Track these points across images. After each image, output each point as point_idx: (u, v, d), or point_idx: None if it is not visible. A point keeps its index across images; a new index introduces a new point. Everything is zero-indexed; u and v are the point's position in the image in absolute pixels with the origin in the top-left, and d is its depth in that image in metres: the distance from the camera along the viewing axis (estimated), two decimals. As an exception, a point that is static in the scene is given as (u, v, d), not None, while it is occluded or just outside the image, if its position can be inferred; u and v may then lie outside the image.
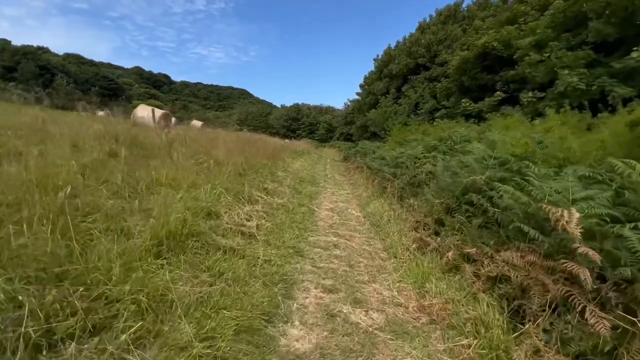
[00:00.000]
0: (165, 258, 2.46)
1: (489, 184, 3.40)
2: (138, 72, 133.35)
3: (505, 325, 2.17)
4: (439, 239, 3.51)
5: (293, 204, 5.80)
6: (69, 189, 2.34)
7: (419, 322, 2.52)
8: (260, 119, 61.74)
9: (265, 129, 48.76)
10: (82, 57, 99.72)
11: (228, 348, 1.81)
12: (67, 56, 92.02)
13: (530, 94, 8.84)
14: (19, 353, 1.35)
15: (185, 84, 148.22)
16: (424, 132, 9.58)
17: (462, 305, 2.53)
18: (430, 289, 2.90)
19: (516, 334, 2.07)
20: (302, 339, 2.14)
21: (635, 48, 6.98)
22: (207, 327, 1.90)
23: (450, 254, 3.06)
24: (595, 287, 1.81)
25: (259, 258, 3.10)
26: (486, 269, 2.63)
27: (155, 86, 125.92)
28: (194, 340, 1.76)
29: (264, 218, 4.34)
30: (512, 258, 2.44)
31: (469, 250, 2.98)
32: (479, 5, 22.05)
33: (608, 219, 2.05)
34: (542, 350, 1.89)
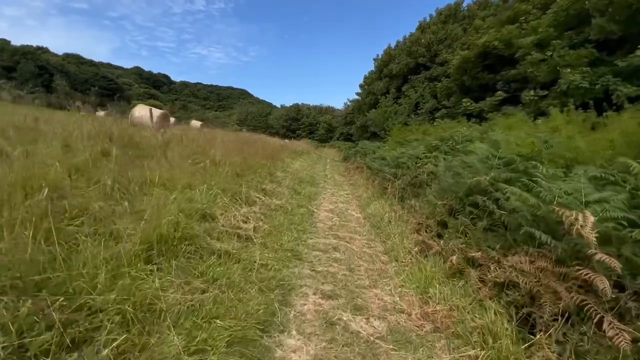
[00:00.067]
0: (155, 263, 2.33)
1: (494, 185, 3.28)
2: (138, 72, 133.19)
3: (514, 335, 2.05)
4: (442, 242, 3.39)
5: (292, 205, 5.68)
6: (46, 191, 2.21)
7: (422, 330, 2.40)
8: (260, 119, 61.61)
9: (265, 129, 48.66)
10: (82, 57, 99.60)
11: (220, 361, 1.69)
12: (67, 56, 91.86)
13: (532, 92, 8.72)
14: (-13, 372, 1.23)
15: (185, 84, 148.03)
16: (425, 132, 9.46)
17: (468, 312, 2.41)
18: (433, 294, 2.78)
19: (526, 344, 1.95)
20: (300, 350, 2.02)
21: None
22: (198, 339, 1.78)
23: (454, 258, 2.94)
24: (613, 296, 1.69)
25: (255, 262, 2.98)
26: (493, 274, 2.51)
27: (155, 86, 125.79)
28: (182, 354, 1.64)
29: (262, 220, 4.21)
30: (521, 263, 2.32)
31: (473, 254, 2.85)
32: (479, 4, 21.94)
33: (625, 223, 1.93)
34: (555, 363, 1.77)
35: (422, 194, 5.23)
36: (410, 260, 3.59)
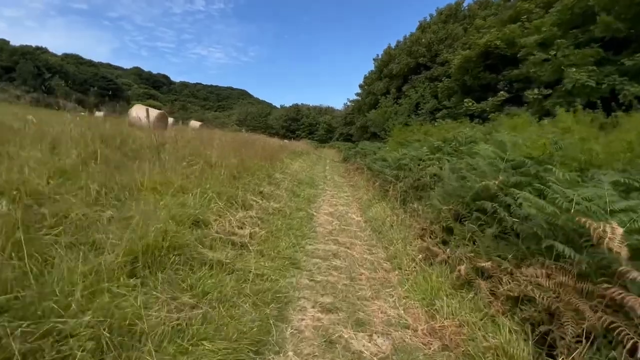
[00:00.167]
0: (140, 277, 2.15)
1: (504, 190, 3.09)
2: (137, 72, 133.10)
3: (532, 357, 1.87)
4: (448, 249, 3.21)
5: (290, 208, 5.49)
6: (21, 198, 2.02)
7: (429, 348, 2.21)
8: (260, 120, 61.42)
9: (264, 129, 48.42)
10: (81, 58, 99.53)
11: (206, 392, 1.51)
12: (66, 56, 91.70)
13: (536, 90, 8.53)
14: None
15: (184, 85, 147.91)
16: (426, 133, 9.28)
17: (479, 329, 2.23)
18: (440, 307, 2.59)
19: (547, 369, 1.77)
20: (296, 374, 1.84)
21: (647, 45, 6.71)
22: (182, 366, 1.59)
23: (462, 268, 2.75)
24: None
25: (250, 272, 2.79)
26: (505, 287, 2.33)
27: (155, 86, 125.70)
28: (164, 385, 1.46)
29: (258, 225, 4.03)
30: (537, 276, 2.13)
31: (483, 264, 2.67)
32: (480, 4, 21.80)
33: (657, 236, 1.76)
34: (581, 392, 1.59)
35: (425, 197, 5.04)
36: (414, 269, 3.41)
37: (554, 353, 1.86)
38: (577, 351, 1.71)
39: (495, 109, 11.98)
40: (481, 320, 2.30)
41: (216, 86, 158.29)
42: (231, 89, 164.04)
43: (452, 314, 2.46)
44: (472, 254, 2.84)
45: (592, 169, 2.99)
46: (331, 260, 3.69)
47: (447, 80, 17.18)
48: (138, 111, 14.08)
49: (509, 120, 6.34)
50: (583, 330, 1.75)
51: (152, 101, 72.70)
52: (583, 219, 1.74)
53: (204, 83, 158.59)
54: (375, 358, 2.06)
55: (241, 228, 3.65)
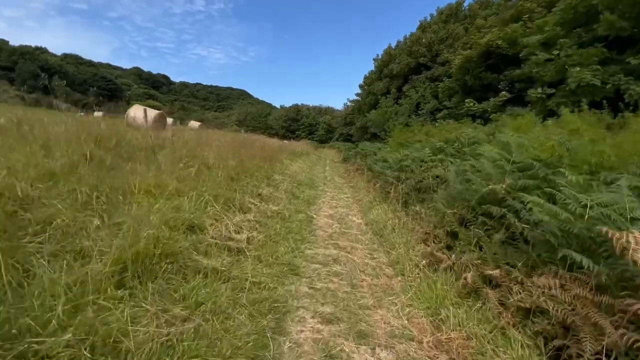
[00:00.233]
0: (128, 287, 2.02)
1: (511, 194, 2.97)
2: (137, 72, 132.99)
3: (547, 375, 1.75)
4: (453, 255, 3.08)
5: (289, 211, 5.37)
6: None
7: (436, 363, 2.09)
8: (260, 120, 61.29)
9: (264, 129, 48.33)
10: (81, 58, 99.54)
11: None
12: (65, 56, 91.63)
13: (539, 89, 8.40)
14: None
15: (184, 85, 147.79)
16: (427, 133, 9.16)
17: (489, 342, 2.11)
18: (446, 317, 2.47)
19: (564, 389, 1.65)
20: (295, 394, 1.71)
21: (652, 44, 6.59)
22: (171, 388, 1.47)
23: (469, 276, 2.63)
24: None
25: (247, 280, 2.67)
26: (515, 298, 2.21)
27: (154, 87, 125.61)
28: (149, 411, 1.33)
29: (256, 229, 3.90)
30: (550, 287, 2.01)
31: (491, 272, 2.54)
32: (481, 4, 21.69)
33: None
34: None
35: (428, 200, 4.92)
36: (417, 275, 3.28)
37: (571, 370, 1.74)
38: (597, 370, 1.59)
39: (497, 109, 11.87)
40: (490, 332, 2.17)
41: (216, 86, 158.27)
42: (231, 89, 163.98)
43: (459, 325, 2.34)
44: (479, 261, 2.72)
45: (603, 172, 2.87)
46: (331, 266, 3.57)
47: (447, 80, 17.06)
48: (136, 111, 13.96)
49: (512, 121, 6.21)
50: (603, 347, 1.63)
51: (151, 101, 72.60)
52: (604, 229, 1.61)
53: (204, 83, 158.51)
54: (378, 374, 1.93)
55: (238, 232, 3.53)
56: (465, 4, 22.81)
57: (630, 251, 1.47)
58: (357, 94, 35.10)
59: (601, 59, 7.69)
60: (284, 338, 2.14)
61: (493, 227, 3.02)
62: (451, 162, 5.03)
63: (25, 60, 65.95)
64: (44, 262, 1.84)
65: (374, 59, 30.48)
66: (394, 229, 4.79)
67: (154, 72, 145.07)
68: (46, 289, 1.71)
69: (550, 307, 1.94)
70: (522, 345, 1.93)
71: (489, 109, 12.16)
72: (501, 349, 1.98)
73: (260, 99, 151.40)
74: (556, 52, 8.55)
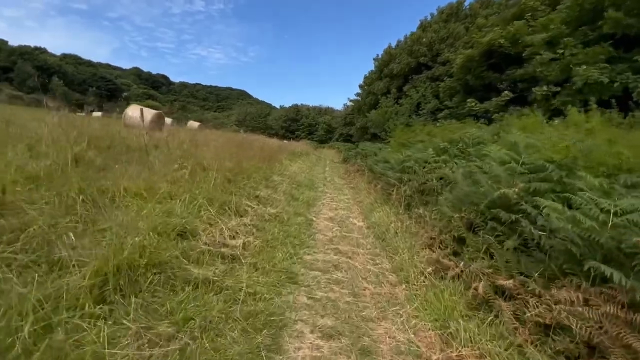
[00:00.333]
0: (109, 302, 1.84)
1: (524, 198, 2.79)
2: (136, 72, 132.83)
3: (573, 402, 1.56)
4: (462, 263, 2.90)
5: (288, 214, 5.18)
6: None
7: (447, 384, 1.91)
8: (259, 120, 61.10)
9: (264, 129, 48.12)
10: (80, 58, 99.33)
11: None
12: (64, 57, 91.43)
13: (545, 87, 8.20)
14: None
15: (184, 85, 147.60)
16: (429, 133, 8.97)
17: (505, 362, 1.92)
18: (456, 331, 2.29)
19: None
20: None
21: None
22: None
23: (480, 286, 2.45)
24: None
25: (241, 290, 2.49)
26: (533, 312, 2.02)
27: (154, 87, 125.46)
28: None
29: (253, 234, 3.72)
30: (572, 301, 1.83)
31: (503, 282, 2.36)
32: (482, 3, 21.51)
33: None
34: None
35: (432, 203, 4.74)
36: (423, 283, 3.10)
37: (599, 397, 1.56)
38: (632, 400, 1.41)
39: (499, 109, 11.67)
40: (506, 350, 1.99)
41: (215, 86, 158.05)
42: (230, 89, 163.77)
43: (471, 341, 2.15)
44: (490, 270, 2.54)
45: (621, 175, 2.69)
46: (332, 273, 3.39)
47: (449, 79, 16.87)
48: (134, 111, 13.78)
49: (518, 120, 6.03)
50: (638, 374, 1.45)
51: (151, 101, 72.43)
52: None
53: (203, 83, 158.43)
54: (384, 399, 1.75)
55: (233, 238, 3.35)
56: (466, 4, 22.64)
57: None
58: (357, 94, 34.91)
59: (608, 58, 7.50)
60: (280, 357, 1.96)
61: (504, 233, 2.83)
62: (456, 164, 4.84)
63: (24, 61, 65.79)
64: (12, 276, 1.65)
65: (374, 59, 30.30)
66: (396, 232, 4.61)
67: (154, 72, 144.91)
68: (13, 306, 1.53)
69: (574, 324, 1.76)
70: (543, 367, 1.75)
71: (491, 109, 11.96)
72: (520, 371, 1.80)
73: (260, 99, 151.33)
74: (561, 51, 8.36)
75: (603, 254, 1.86)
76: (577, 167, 2.88)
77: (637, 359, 1.47)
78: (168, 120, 19.11)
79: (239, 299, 2.38)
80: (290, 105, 61.90)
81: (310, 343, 2.15)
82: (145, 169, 4.12)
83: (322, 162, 18.46)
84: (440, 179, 5.06)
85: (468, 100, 13.40)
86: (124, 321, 1.76)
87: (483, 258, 2.78)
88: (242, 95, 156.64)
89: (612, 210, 1.97)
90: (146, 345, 1.66)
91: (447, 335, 2.32)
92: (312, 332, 2.28)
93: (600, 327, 1.67)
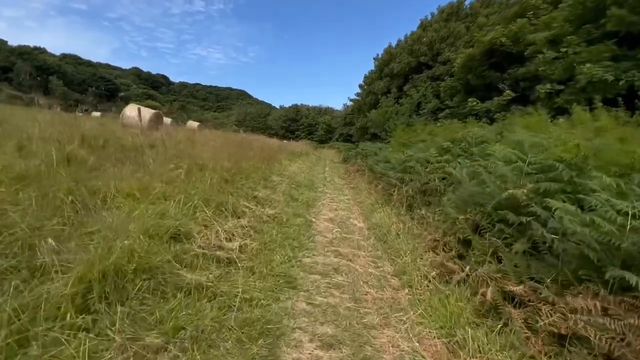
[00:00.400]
0: (93, 312, 1.72)
1: (533, 199, 2.67)
2: (136, 72, 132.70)
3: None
4: (468, 267, 2.77)
5: (287, 215, 5.06)
6: None
7: (455, 399, 1.79)
8: (259, 120, 60.96)
9: (263, 129, 47.98)
10: (79, 58, 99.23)
11: None
12: (64, 57, 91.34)
13: (548, 85, 8.08)
14: None
15: (183, 85, 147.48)
16: (431, 133, 8.85)
17: (517, 375, 1.80)
18: (463, 340, 2.17)
19: None
20: None
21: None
22: None
23: (488, 291, 2.32)
24: None
25: (236, 296, 2.36)
26: (546, 321, 1.90)
27: (154, 87, 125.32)
28: None
29: (250, 236, 3.60)
30: (590, 310, 1.71)
31: (513, 288, 2.24)
32: (482, 2, 21.41)
33: None
34: None
35: (435, 204, 4.62)
36: (427, 287, 2.98)
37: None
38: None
39: (501, 108, 11.56)
40: (518, 362, 1.87)
41: (215, 86, 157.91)
42: (230, 89, 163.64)
43: (480, 351, 2.03)
44: (500, 275, 2.41)
45: (634, 175, 2.57)
46: (332, 277, 3.26)
47: (449, 79, 16.76)
48: (132, 111, 13.66)
49: (522, 119, 5.91)
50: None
51: (150, 101, 72.28)
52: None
53: (203, 83, 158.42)
54: (388, 416, 1.63)
55: (230, 240, 3.22)
56: (467, 3, 22.54)
57: None
58: (357, 94, 34.78)
59: (612, 56, 7.38)
60: (277, 369, 1.84)
61: (512, 235, 2.71)
62: (459, 163, 4.72)
63: (24, 61, 65.65)
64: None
65: (374, 58, 30.19)
66: (398, 234, 4.49)
67: (154, 72, 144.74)
68: (-15, 318, 1.40)
69: (592, 335, 1.64)
70: (559, 382, 1.63)
71: (492, 109, 11.85)
72: (534, 385, 1.68)
73: (260, 99, 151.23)
74: (564, 50, 8.24)
75: (622, 260, 1.74)
76: (587, 167, 2.76)
77: (666, 375, 1.35)
78: (167, 120, 19.02)
79: (234, 306, 2.26)
80: (290, 105, 61.83)
81: (309, 353, 2.03)
82: (140, 168, 4.00)
83: (322, 162, 18.34)
84: (443, 179, 4.95)
85: (469, 99, 13.29)
86: (109, 332, 1.64)
87: (490, 262, 2.66)
88: (242, 95, 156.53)
89: (630, 212, 1.85)
90: (131, 358, 1.54)
91: (454, 344, 2.20)
92: (311, 341, 2.16)
93: (622, 339, 1.55)
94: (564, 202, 2.44)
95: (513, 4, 14.60)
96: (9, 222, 2.13)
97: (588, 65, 6.89)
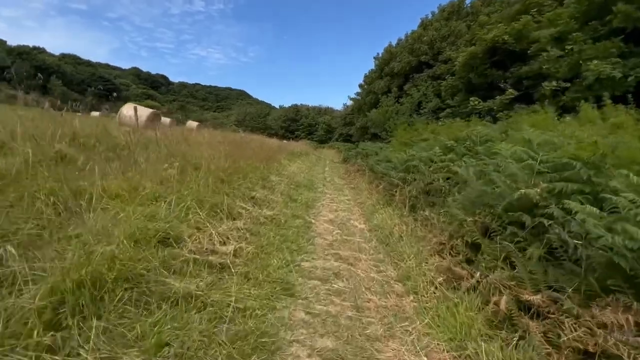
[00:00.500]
0: (65, 328, 1.53)
1: (547, 199, 2.49)
2: (136, 73, 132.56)
3: None
4: (478, 273, 2.59)
5: (286, 216, 4.88)
6: None
7: None
8: (259, 120, 60.76)
9: (263, 129, 47.76)
10: (79, 58, 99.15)
11: None
12: (63, 56, 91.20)
13: (554, 83, 7.90)
14: None
15: (183, 85, 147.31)
16: (433, 132, 8.67)
17: (538, 396, 1.62)
18: (475, 354, 1.99)
19: None
20: None
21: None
22: None
23: (502, 301, 2.14)
24: None
25: (229, 306, 2.18)
26: (570, 335, 1.71)
27: (153, 87, 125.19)
28: None
29: (246, 239, 3.41)
30: (621, 325, 1.52)
31: (529, 298, 2.06)
32: (483, 1, 21.23)
33: None
34: None
35: (439, 204, 4.44)
36: (434, 294, 2.79)
37: None
38: None
39: (503, 107, 11.38)
40: (539, 382, 1.69)
41: (215, 87, 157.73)
42: (230, 89, 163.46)
43: (495, 369, 1.85)
44: (514, 283, 2.23)
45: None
46: (332, 282, 3.08)
47: (450, 78, 16.59)
48: (129, 110, 13.48)
49: (528, 117, 5.74)
50: None
51: (150, 101, 72.15)
52: None
53: (203, 83, 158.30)
54: None
55: (224, 244, 3.04)
56: (468, 1, 22.37)
57: None
58: (357, 94, 34.60)
59: (619, 53, 7.20)
60: (272, 390, 1.65)
61: (525, 239, 2.53)
62: (465, 162, 4.54)
63: (23, 61, 65.47)
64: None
65: (374, 58, 30.03)
66: (401, 236, 4.30)
67: (153, 72, 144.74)
68: None
69: (625, 355, 1.45)
70: (589, 407, 1.45)
71: (495, 108, 11.67)
72: (560, 411, 1.50)
73: (260, 99, 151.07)
74: (570, 47, 8.06)
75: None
76: (606, 166, 2.58)
77: None
78: (166, 120, 18.83)
79: (226, 317, 2.07)
80: (290, 105, 61.62)
81: (308, 371, 1.84)
82: (130, 168, 3.81)
83: (321, 162, 18.16)
84: (447, 179, 4.76)
85: (471, 98, 13.11)
86: (81, 351, 1.45)
87: (502, 268, 2.47)
88: (242, 95, 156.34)
89: (663, 216, 1.66)
90: (104, 383, 1.35)
91: (465, 358, 2.02)
92: (309, 356, 1.97)
93: (662, 360, 1.37)
94: (582, 203, 2.26)
95: (515, 2, 14.43)
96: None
97: (595, 62, 6.71)
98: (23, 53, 68.54)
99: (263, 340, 1.98)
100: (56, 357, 1.36)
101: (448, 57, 18.80)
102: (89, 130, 5.85)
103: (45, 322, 1.49)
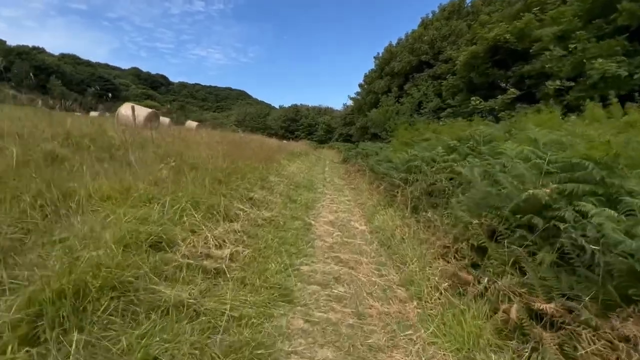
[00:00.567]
0: (42, 342, 1.41)
1: (557, 200, 2.37)
2: (135, 73, 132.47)
3: None
4: (486, 278, 2.47)
5: (285, 218, 4.76)
6: None
7: None
8: (259, 120, 60.63)
9: (263, 129, 47.64)
10: (78, 58, 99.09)
11: None
12: (63, 56, 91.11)
13: (558, 82, 7.78)
14: None
15: (183, 85, 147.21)
16: (435, 131, 8.54)
17: (555, 415, 1.50)
18: (485, 366, 1.87)
19: None
20: None
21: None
22: None
23: (513, 309, 2.02)
24: None
25: (223, 314, 2.06)
26: (588, 349, 1.60)
27: (153, 87, 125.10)
28: None
29: (243, 242, 3.29)
30: (646, 339, 1.40)
31: (542, 306, 1.94)
32: (484, 0, 21.12)
33: None
34: None
35: (442, 206, 4.32)
36: (438, 301, 2.67)
37: None
38: None
39: (505, 107, 11.27)
40: (555, 399, 1.57)
41: (215, 87, 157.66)
42: (230, 89, 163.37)
43: (507, 383, 1.73)
44: (525, 290, 2.11)
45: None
46: (332, 287, 2.96)
47: (451, 77, 16.47)
48: (127, 110, 13.36)
49: (532, 117, 5.61)
50: None
51: (149, 101, 72.03)
52: None
53: (203, 84, 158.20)
54: None
55: (220, 247, 2.92)
56: (468, 1, 22.25)
57: None
58: (357, 93, 34.46)
59: (624, 52, 7.09)
60: (267, 409, 1.53)
61: (535, 243, 2.41)
62: (468, 162, 4.42)
63: (22, 61, 65.36)
64: None
65: (374, 57, 29.90)
66: (403, 238, 4.18)
67: (153, 72, 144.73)
68: None
69: (651, 371, 1.33)
70: None
71: (496, 107, 11.56)
72: None
73: (260, 99, 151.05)
74: (573, 45, 7.94)
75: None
76: (619, 166, 2.46)
77: None
78: (166, 120, 18.70)
79: (220, 327, 1.95)
80: (290, 105, 61.48)
81: (306, 385, 1.72)
82: (124, 168, 3.70)
83: (321, 162, 18.04)
84: (451, 179, 4.65)
85: (472, 98, 13.00)
86: (59, 369, 1.33)
87: (511, 274, 2.35)
88: (242, 95, 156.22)
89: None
90: (82, 406, 1.23)
91: (475, 371, 1.90)
92: (308, 369, 1.85)
93: (694, 380, 1.25)
94: (595, 205, 2.14)
95: (516, 1, 14.31)
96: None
97: (600, 60, 6.59)
98: (22, 53, 68.43)
99: (259, 351, 1.86)
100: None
101: (449, 56, 18.69)
102: (84, 129, 5.74)
103: (20, 337, 1.37)
